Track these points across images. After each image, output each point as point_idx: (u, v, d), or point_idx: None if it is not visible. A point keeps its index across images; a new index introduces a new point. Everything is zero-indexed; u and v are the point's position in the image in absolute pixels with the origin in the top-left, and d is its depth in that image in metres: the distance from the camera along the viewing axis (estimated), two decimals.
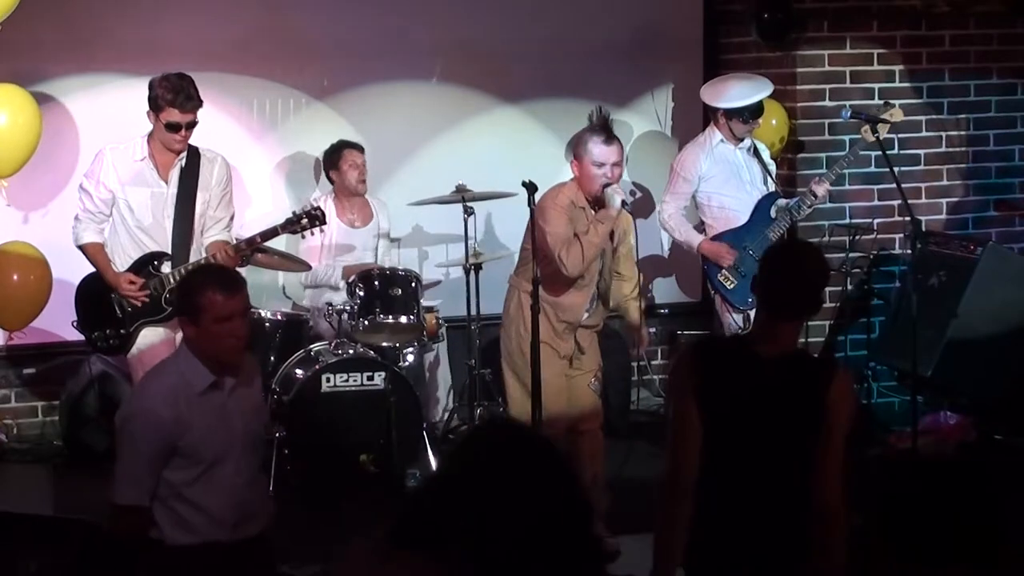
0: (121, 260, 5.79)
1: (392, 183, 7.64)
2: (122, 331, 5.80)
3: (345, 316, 6.56)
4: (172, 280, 5.69)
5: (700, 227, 7.02)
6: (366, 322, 6.53)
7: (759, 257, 6.61)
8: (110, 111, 7.14)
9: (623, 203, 5.49)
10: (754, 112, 6.78)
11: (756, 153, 6.88)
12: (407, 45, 7.63)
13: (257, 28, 7.41)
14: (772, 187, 6.88)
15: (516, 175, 7.18)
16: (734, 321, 6.76)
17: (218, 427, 3.99)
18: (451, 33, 7.69)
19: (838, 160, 6.87)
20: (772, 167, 6.99)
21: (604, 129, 5.54)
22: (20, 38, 7.04)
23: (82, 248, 5.81)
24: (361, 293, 6.54)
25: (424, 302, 6.75)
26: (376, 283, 6.57)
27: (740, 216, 6.78)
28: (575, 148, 5.59)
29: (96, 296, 5.83)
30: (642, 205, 8.17)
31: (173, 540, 3.96)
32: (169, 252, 5.75)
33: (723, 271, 6.72)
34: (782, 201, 6.82)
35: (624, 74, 8.00)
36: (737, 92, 6.78)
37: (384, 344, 6.66)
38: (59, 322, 7.17)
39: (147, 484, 3.92)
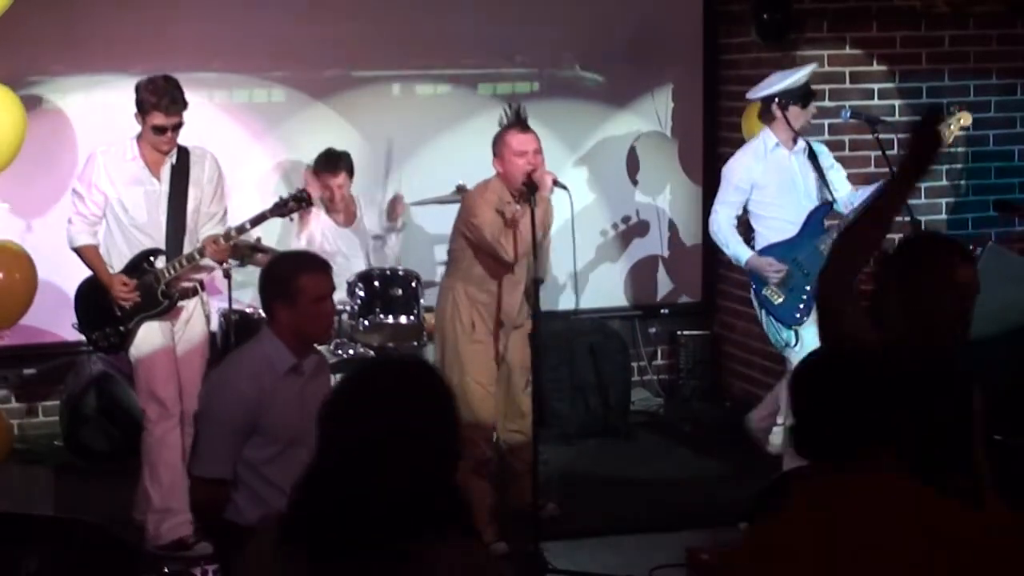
0: (118, 259, 5.82)
1: (392, 182, 7.65)
2: (121, 328, 5.82)
3: (345, 316, 6.56)
4: (168, 273, 5.74)
5: (750, 236, 6.61)
6: (366, 322, 6.54)
7: (808, 270, 6.19)
8: (110, 111, 7.15)
9: (555, 182, 5.47)
10: (809, 95, 6.40)
11: (812, 156, 6.49)
12: (407, 45, 7.63)
13: (257, 28, 7.42)
14: (827, 196, 6.45)
15: None
16: (782, 339, 6.38)
17: (296, 410, 4.11)
18: (451, 33, 7.69)
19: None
20: (835, 170, 6.56)
21: (519, 121, 5.65)
22: (19, 38, 7.05)
23: (77, 251, 5.85)
24: (361, 293, 6.54)
25: (424, 302, 6.76)
26: (376, 283, 6.58)
27: (793, 228, 6.38)
28: (494, 147, 5.62)
29: (94, 297, 5.87)
30: (641, 206, 8.19)
31: (251, 520, 4.07)
32: (163, 248, 5.78)
33: (769, 286, 6.33)
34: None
35: (624, 74, 8.00)
36: (786, 75, 6.45)
37: (384, 344, 6.66)
38: (59, 322, 7.18)
39: (228, 458, 4.08)
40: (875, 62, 7.41)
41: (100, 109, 7.20)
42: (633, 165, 8.13)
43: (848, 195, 6.46)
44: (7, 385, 7.34)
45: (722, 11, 8.05)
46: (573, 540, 5.73)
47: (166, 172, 5.78)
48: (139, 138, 5.79)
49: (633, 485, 6.60)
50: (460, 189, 6.93)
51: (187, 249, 5.78)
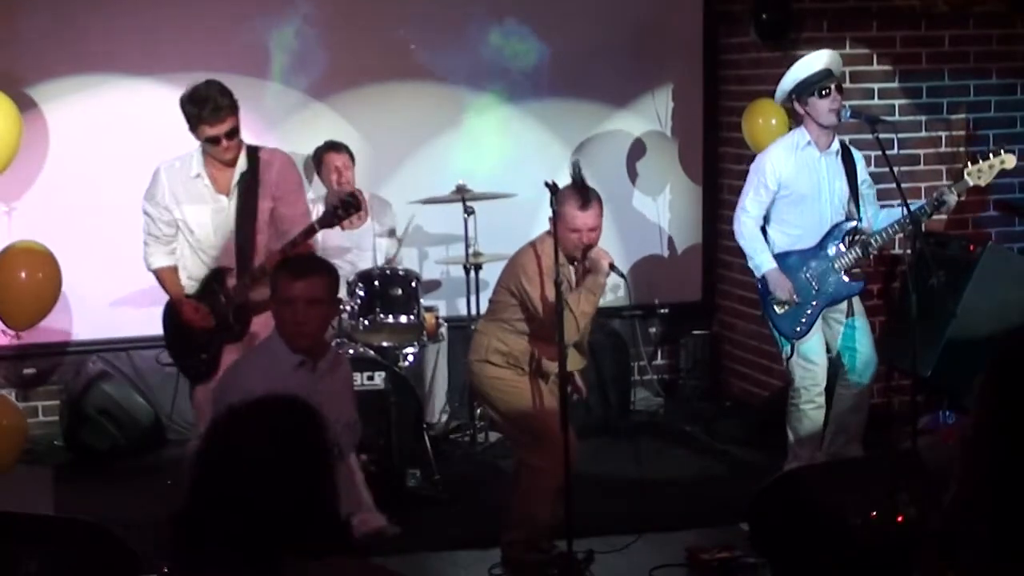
0: (185, 281, 5.54)
1: (392, 182, 7.65)
2: (203, 355, 5.48)
3: (345, 316, 6.56)
4: (234, 295, 5.40)
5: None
6: (366, 322, 6.54)
7: (818, 287, 6.06)
8: (110, 112, 7.16)
9: (611, 266, 5.34)
10: (826, 79, 6.02)
11: (847, 160, 6.16)
12: (407, 44, 7.63)
13: (256, 28, 7.42)
14: (853, 209, 6.16)
15: (516, 175, 7.23)
16: (780, 347, 6.22)
17: None
18: (451, 33, 7.70)
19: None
20: (867, 186, 6.27)
21: (580, 193, 5.35)
22: (18, 38, 7.06)
23: (154, 273, 5.57)
24: (361, 293, 6.55)
25: (424, 302, 6.76)
26: (376, 283, 6.58)
27: (809, 236, 6.12)
28: (553, 205, 5.30)
29: (176, 323, 5.56)
30: (641, 206, 8.19)
31: None
32: (234, 267, 5.43)
33: (775, 296, 6.10)
34: (856, 225, 6.15)
35: (624, 74, 8.00)
36: (797, 67, 6.13)
37: (384, 344, 6.66)
38: (59, 322, 7.18)
39: None
40: (875, 62, 7.40)
41: (101, 110, 7.20)
42: (633, 165, 8.13)
43: (874, 215, 6.23)
44: (7, 385, 7.34)
45: (722, 11, 8.05)
46: (573, 540, 5.72)
47: (235, 185, 5.39)
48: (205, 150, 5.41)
49: (633, 485, 6.59)
50: (460, 189, 6.94)
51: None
